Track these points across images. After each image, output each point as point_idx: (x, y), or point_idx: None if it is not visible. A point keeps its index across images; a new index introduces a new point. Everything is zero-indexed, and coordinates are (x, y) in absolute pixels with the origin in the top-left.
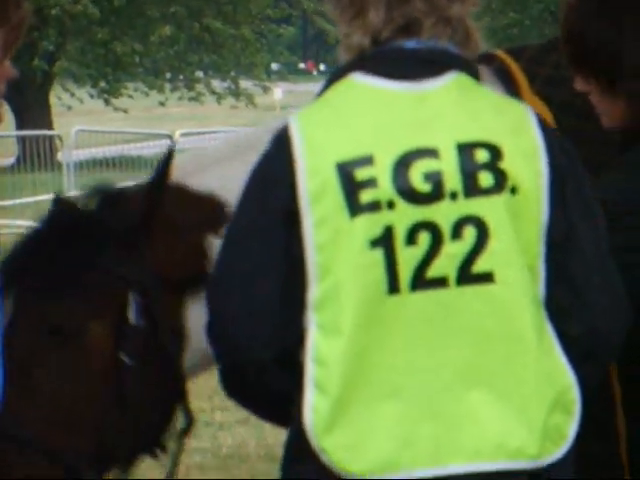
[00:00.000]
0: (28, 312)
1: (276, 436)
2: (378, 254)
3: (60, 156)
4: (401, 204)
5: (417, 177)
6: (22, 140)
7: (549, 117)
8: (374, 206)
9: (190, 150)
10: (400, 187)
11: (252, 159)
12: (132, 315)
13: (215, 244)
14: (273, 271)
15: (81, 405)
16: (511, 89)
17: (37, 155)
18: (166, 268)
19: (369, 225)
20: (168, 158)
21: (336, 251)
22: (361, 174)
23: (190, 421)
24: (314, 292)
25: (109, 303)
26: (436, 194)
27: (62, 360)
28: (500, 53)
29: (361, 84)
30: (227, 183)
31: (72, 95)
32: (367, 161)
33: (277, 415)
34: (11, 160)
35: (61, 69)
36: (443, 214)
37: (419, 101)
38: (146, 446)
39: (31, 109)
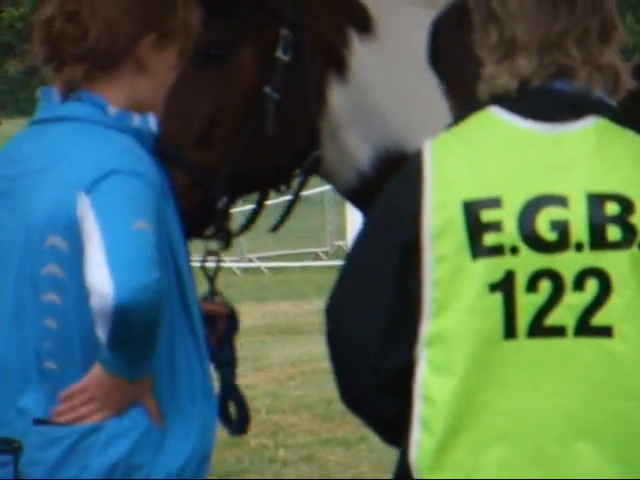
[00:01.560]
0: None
1: (340, 473)
2: (497, 298)
3: None
4: (525, 250)
5: (543, 224)
6: None
7: None
8: (497, 250)
9: None
10: (525, 233)
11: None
12: (280, 51)
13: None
14: (383, 299)
15: (221, 125)
16: None
17: None
18: (317, 29)
19: (490, 268)
20: None
21: (453, 290)
22: (487, 216)
23: (317, 159)
24: (427, 328)
25: (259, 34)
26: (561, 243)
27: (209, 81)
28: None
29: (499, 121)
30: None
31: None
32: (495, 203)
33: (389, 436)
34: None
35: None
36: (567, 264)
37: (555, 145)
38: (273, 178)
39: None
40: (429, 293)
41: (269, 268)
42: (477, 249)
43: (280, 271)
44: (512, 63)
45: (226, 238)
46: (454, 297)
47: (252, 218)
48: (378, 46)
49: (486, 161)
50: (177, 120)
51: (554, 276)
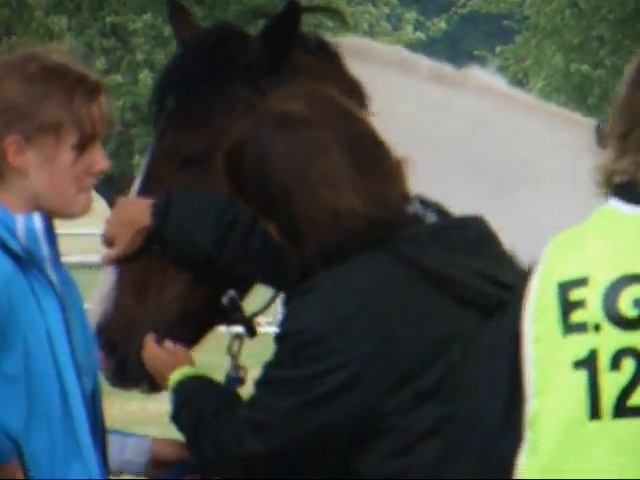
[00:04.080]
0: (167, 138)
1: None
2: (582, 376)
3: None
4: (607, 328)
5: (626, 302)
6: None
7: None
8: (581, 327)
9: None
10: (608, 311)
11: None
12: None
13: None
14: (502, 388)
15: None
16: None
17: None
18: None
19: (576, 346)
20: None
21: (549, 370)
22: (575, 294)
23: None
24: (529, 410)
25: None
26: None
27: (191, 185)
28: None
29: (615, 210)
30: None
31: None
32: (583, 282)
33: None
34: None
35: None
36: None
37: None
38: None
39: None
40: (530, 375)
41: None
42: (567, 327)
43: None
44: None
45: (248, 327)
46: (549, 377)
47: (269, 303)
48: (384, 122)
49: (586, 246)
50: None
51: (637, 354)
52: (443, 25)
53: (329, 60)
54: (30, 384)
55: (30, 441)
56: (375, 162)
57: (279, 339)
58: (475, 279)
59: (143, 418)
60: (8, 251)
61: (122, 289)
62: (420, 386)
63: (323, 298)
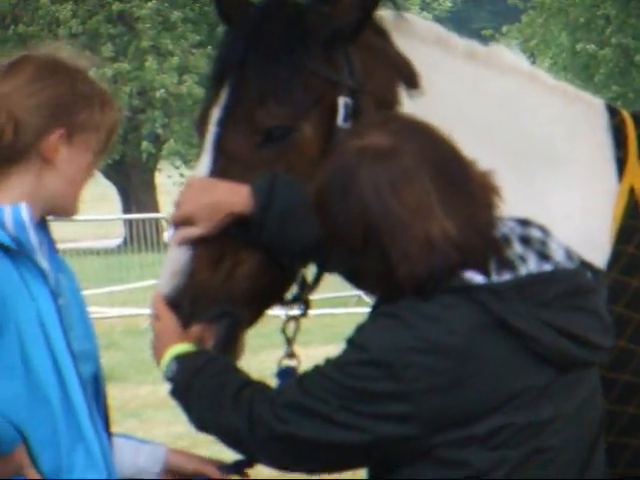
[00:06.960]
0: (240, 114)
1: None
2: None
3: (167, 237)
4: None
5: None
6: (129, 222)
7: None
8: None
9: None
10: None
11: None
12: (340, 118)
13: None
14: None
15: None
16: (620, 152)
17: (144, 236)
18: (373, 91)
19: None
20: None
21: None
22: None
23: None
24: None
25: (319, 106)
26: None
27: (274, 161)
28: (625, 114)
29: None
30: None
31: (182, 175)
32: None
33: None
34: (118, 241)
35: (169, 150)
36: None
37: None
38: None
39: (137, 191)
40: None
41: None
42: None
43: (324, 316)
44: None
45: (305, 305)
46: None
47: (316, 283)
48: (424, 101)
49: None
50: None
51: None
52: (449, 4)
53: (380, 35)
54: (28, 372)
55: (34, 428)
56: (462, 185)
57: (349, 342)
58: (554, 337)
59: (153, 402)
60: None
61: (196, 266)
62: (472, 431)
63: (399, 327)
